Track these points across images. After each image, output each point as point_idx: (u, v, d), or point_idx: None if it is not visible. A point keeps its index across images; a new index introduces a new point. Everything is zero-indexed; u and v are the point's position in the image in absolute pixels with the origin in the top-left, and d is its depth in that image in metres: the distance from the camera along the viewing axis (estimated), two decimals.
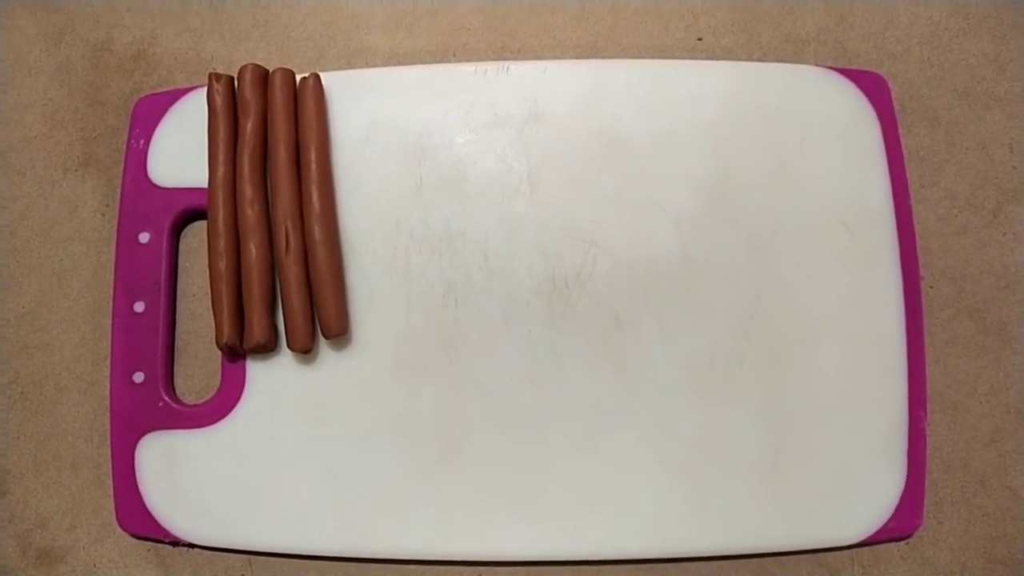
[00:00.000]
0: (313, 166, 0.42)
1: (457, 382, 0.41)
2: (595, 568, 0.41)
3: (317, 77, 0.43)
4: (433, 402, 0.41)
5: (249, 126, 0.42)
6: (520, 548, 0.40)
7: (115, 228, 0.44)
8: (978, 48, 0.46)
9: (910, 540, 0.41)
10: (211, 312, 0.41)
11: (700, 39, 0.46)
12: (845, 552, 0.40)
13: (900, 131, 0.43)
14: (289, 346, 0.41)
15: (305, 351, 0.41)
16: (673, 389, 0.41)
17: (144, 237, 0.43)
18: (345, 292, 0.42)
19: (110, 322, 0.43)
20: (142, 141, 0.44)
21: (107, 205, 0.45)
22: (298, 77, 0.43)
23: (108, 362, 0.42)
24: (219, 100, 0.43)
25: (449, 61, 0.46)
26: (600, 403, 0.41)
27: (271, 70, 0.43)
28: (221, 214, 0.42)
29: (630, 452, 0.40)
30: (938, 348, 0.43)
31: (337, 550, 0.40)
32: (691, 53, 0.46)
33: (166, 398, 0.42)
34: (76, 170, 0.46)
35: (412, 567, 0.41)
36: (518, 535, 0.40)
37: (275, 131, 0.42)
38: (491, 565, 0.41)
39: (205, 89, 0.43)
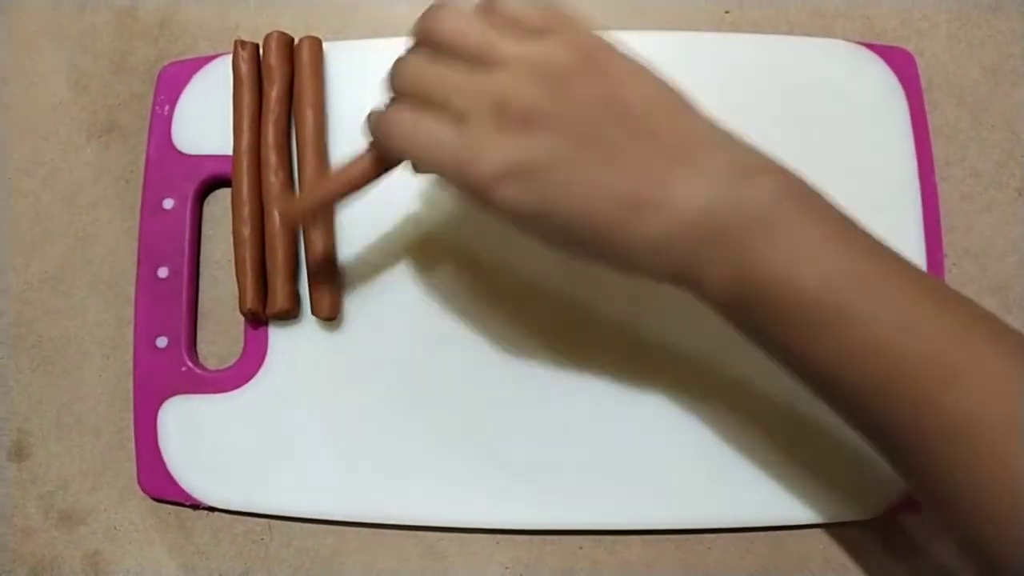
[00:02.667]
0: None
1: (478, 352, 0.41)
2: (612, 538, 0.41)
3: (343, 45, 0.43)
4: (454, 371, 0.41)
5: (274, 93, 0.42)
6: (538, 517, 0.40)
7: (139, 194, 0.44)
8: (1006, 25, 0.45)
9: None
10: (234, 279, 0.41)
11: (727, 12, 0.46)
12: (863, 525, 0.40)
13: (926, 107, 0.43)
14: (313, 313, 0.41)
15: (328, 319, 0.41)
16: (694, 360, 0.41)
17: (168, 203, 0.43)
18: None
19: (134, 287, 0.43)
20: (167, 108, 0.44)
21: (131, 171, 0.45)
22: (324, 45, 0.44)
23: (131, 327, 0.42)
24: (245, 67, 0.43)
25: None
26: (621, 374, 0.41)
27: (297, 38, 0.43)
28: (246, 181, 0.42)
29: (650, 423, 0.40)
30: None
31: (356, 516, 0.41)
32: (718, 26, 0.45)
33: (189, 363, 0.42)
34: (100, 136, 0.46)
35: (430, 534, 0.41)
36: (537, 504, 0.40)
37: (300, 99, 0.42)
38: (509, 533, 0.41)
39: (230, 56, 0.43)
